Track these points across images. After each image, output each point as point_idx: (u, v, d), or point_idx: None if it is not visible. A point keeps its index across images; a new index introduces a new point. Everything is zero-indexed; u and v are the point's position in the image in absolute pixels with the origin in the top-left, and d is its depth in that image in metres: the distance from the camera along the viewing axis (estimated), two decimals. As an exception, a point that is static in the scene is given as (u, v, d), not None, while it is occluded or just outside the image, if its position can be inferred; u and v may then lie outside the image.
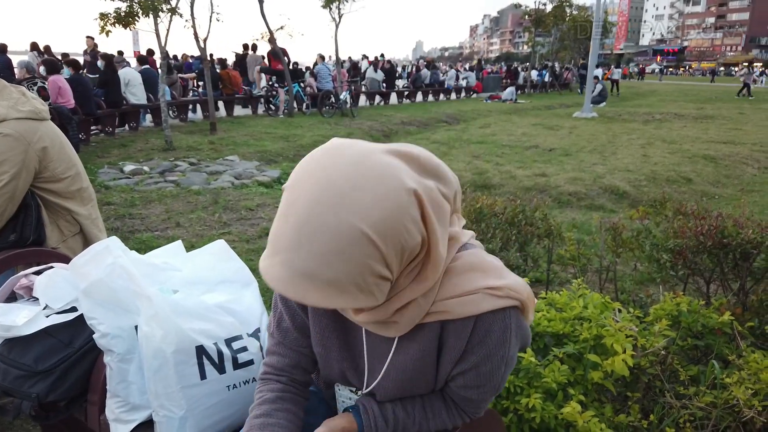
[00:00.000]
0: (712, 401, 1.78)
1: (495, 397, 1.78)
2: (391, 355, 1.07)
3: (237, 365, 1.47)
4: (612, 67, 30.02)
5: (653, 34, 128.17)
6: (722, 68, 68.12)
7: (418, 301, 0.94)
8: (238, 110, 15.00)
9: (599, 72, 26.85)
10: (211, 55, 15.88)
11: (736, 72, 74.62)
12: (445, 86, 23.24)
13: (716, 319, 2.08)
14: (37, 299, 1.72)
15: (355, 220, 0.78)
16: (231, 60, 16.77)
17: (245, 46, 16.31)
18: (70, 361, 1.57)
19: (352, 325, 1.10)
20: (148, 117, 12.61)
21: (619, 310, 2.06)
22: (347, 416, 1.12)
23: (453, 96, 24.06)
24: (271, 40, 14.43)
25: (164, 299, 1.40)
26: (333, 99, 15.41)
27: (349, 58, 23.06)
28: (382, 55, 21.85)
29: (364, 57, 22.78)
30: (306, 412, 1.20)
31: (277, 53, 14.38)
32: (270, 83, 14.87)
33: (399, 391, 1.11)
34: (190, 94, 14.69)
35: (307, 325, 1.13)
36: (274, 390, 1.14)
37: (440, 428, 1.15)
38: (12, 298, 1.92)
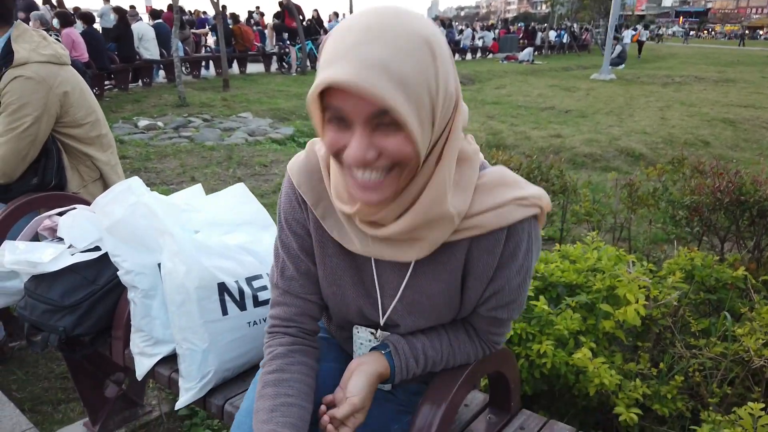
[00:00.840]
0: (722, 352, 1.80)
1: (507, 343, 1.82)
2: (406, 280, 1.05)
3: (257, 303, 1.50)
4: (640, 29, 29.26)
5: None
6: (747, 31, 65.96)
7: (449, 214, 0.93)
8: (251, 67, 14.86)
9: (629, 33, 26.37)
10: (224, 7, 15.61)
11: (761, 35, 72.32)
12: (461, 46, 22.81)
13: (730, 273, 2.09)
14: (61, 240, 1.76)
15: (417, 28, 0.81)
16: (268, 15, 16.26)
17: (280, 4, 15.84)
18: (95, 297, 1.62)
19: (361, 261, 1.08)
20: (161, 73, 12.55)
21: (633, 263, 2.07)
22: (379, 359, 1.07)
23: (468, 56, 23.63)
24: (281, 3, 14.15)
25: (187, 237, 1.43)
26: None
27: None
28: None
29: None
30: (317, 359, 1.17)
31: (291, 9, 14.12)
32: (281, 42, 14.67)
33: (419, 319, 1.10)
34: (203, 50, 14.55)
35: (312, 270, 1.11)
36: (284, 344, 1.11)
37: (463, 362, 1.17)
38: (35, 239, 1.96)
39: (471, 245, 1.01)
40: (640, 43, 27.67)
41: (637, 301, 1.78)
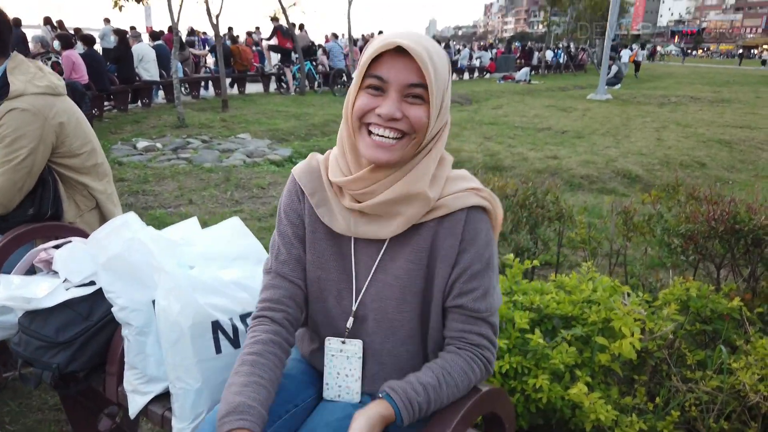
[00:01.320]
0: (718, 385, 1.80)
1: (502, 377, 1.82)
2: (378, 259, 1.21)
3: (251, 340, 1.50)
4: (637, 48, 29.67)
5: (672, 14, 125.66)
6: (741, 50, 66.67)
7: (426, 195, 1.13)
8: (250, 87, 14.97)
9: (627, 53, 26.94)
10: (230, 28, 15.76)
11: (756, 54, 73.07)
12: (458, 66, 23.01)
13: (725, 304, 2.09)
14: (56, 272, 1.76)
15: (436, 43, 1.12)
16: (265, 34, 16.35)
17: (293, 25, 15.82)
18: (90, 333, 1.62)
19: (344, 246, 1.24)
20: (161, 93, 12.62)
21: (628, 294, 2.07)
22: (379, 402, 1.11)
23: (466, 76, 23.83)
24: (274, 18, 14.28)
25: (182, 274, 1.43)
26: (345, 77, 15.32)
27: (362, 35, 22.84)
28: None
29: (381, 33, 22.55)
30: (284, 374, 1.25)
31: (283, 29, 14.21)
32: (280, 62, 14.79)
33: (386, 306, 1.21)
34: (202, 71, 14.66)
35: (302, 257, 1.26)
36: (268, 331, 1.19)
37: (464, 382, 1.18)
38: (31, 271, 1.96)
39: (437, 228, 1.18)
40: (637, 63, 27.92)
41: (632, 335, 1.78)
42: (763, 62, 45.91)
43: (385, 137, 1.09)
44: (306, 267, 1.27)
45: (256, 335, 1.20)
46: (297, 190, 1.26)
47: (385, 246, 1.20)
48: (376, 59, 1.08)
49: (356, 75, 1.11)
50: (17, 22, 11.95)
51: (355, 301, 1.24)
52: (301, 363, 1.38)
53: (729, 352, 1.91)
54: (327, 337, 1.27)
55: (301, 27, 16.24)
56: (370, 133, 1.11)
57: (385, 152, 1.10)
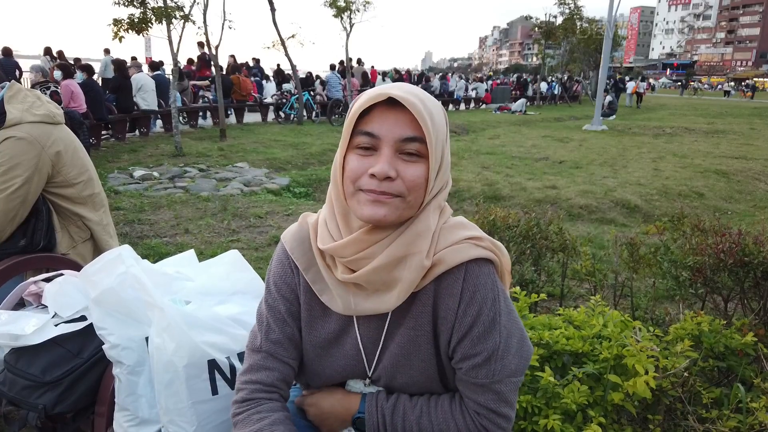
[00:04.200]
0: (736, 426, 1.72)
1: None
2: (384, 334, 1.12)
3: (249, 380, 1.42)
4: (638, 81, 30.79)
5: (663, 48, 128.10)
6: (732, 83, 67.67)
7: (420, 258, 1.03)
8: (248, 117, 15.05)
9: (630, 85, 29.16)
10: (232, 56, 15.97)
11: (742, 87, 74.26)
12: (455, 96, 23.25)
13: (739, 339, 2.03)
14: (46, 307, 1.69)
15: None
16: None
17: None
18: (79, 372, 1.54)
19: (345, 323, 1.15)
20: (159, 123, 12.65)
21: (639, 329, 2.01)
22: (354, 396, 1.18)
23: (462, 106, 24.05)
24: (201, 44, 14.28)
25: (177, 311, 1.37)
26: (342, 107, 15.43)
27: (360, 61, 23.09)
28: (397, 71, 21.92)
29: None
30: None
31: (206, 60, 14.16)
32: (279, 91, 14.91)
33: (401, 375, 1.14)
34: (200, 101, 14.77)
35: (296, 336, 1.17)
36: (277, 409, 1.10)
37: (443, 426, 1.11)
38: (20, 304, 1.89)
39: (435, 290, 1.08)
40: (639, 95, 28.69)
41: (646, 372, 1.72)
42: (726, 93, 47.86)
43: (381, 191, 1.00)
44: (302, 347, 1.18)
45: (270, 415, 1.09)
46: (290, 261, 1.16)
47: (388, 318, 1.12)
48: (364, 115, 0.99)
49: (343, 134, 1.02)
50: (7, 52, 12.04)
51: (370, 370, 1.17)
52: (292, 405, 1.29)
53: (745, 390, 1.83)
54: (349, 380, 1.21)
55: (359, 61, 18.67)
56: (364, 192, 1.01)
57: (381, 207, 0.99)
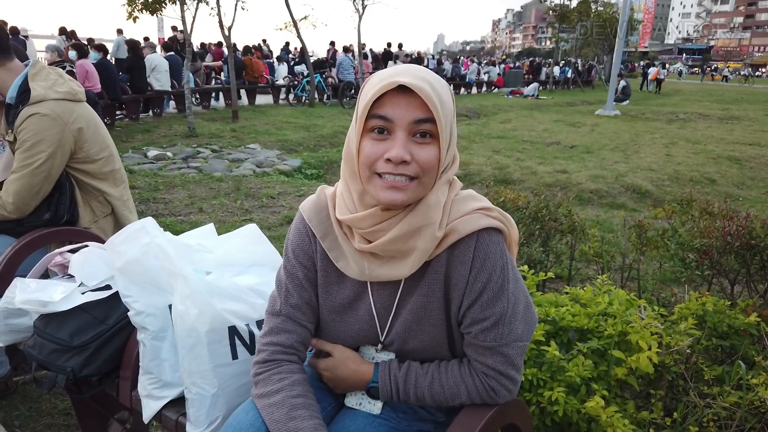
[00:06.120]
0: (736, 401, 1.77)
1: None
2: (396, 300, 1.18)
3: (267, 347, 1.49)
4: (659, 67, 30.52)
5: (679, 32, 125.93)
6: (749, 69, 66.56)
7: (433, 228, 1.08)
8: (260, 99, 15.08)
9: (651, 71, 29.25)
10: (266, 41, 16.04)
11: (764, 73, 72.96)
12: (467, 80, 23.10)
13: (742, 319, 2.07)
14: (72, 277, 1.76)
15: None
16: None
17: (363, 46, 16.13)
18: (105, 337, 1.61)
19: (360, 289, 1.20)
20: (172, 103, 12.72)
21: (644, 308, 2.05)
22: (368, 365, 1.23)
23: (474, 90, 23.90)
24: (174, 28, 14.03)
25: (199, 279, 1.43)
26: (354, 90, 15.41)
27: (371, 50, 22.95)
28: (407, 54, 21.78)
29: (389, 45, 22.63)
30: None
31: (174, 44, 13.58)
32: (291, 74, 14.92)
33: (412, 340, 1.19)
34: (213, 82, 14.80)
35: (313, 300, 1.23)
36: (296, 371, 1.17)
37: (453, 392, 1.18)
38: (45, 275, 1.96)
39: (448, 259, 1.13)
40: (659, 81, 28.53)
41: (649, 348, 1.77)
42: (725, 78, 48.45)
43: (397, 180, 1.04)
44: (319, 311, 1.25)
45: (290, 376, 1.16)
46: (307, 230, 1.21)
47: (401, 286, 1.18)
48: (377, 100, 1.03)
49: (357, 119, 1.06)
50: (15, 31, 12.11)
51: (382, 335, 1.23)
52: (311, 368, 1.36)
53: (747, 368, 1.88)
54: (361, 346, 1.27)
55: (400, 46, 19.53)
56: (380, 175, 1.05)
57: (399, 193, 1.04)
